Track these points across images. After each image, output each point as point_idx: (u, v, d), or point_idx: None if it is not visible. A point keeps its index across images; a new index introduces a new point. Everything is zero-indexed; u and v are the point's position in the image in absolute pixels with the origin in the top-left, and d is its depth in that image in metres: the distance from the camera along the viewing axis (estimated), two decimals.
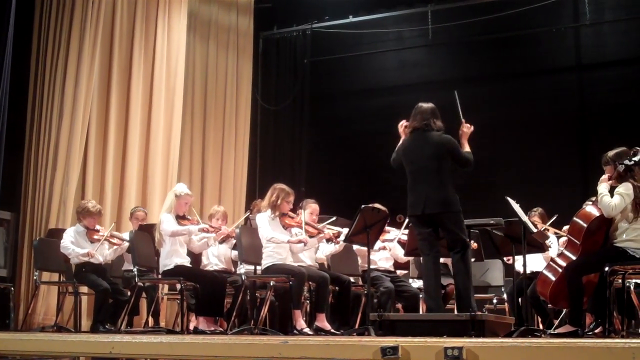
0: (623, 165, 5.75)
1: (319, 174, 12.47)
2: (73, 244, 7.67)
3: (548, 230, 7.57)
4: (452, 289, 7.17)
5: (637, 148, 5.79)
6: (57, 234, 8.28)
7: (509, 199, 6.28)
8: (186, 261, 7.28)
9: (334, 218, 7.60)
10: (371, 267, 6.97)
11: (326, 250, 7.91)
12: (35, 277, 8.08)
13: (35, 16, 9.57)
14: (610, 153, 5.95)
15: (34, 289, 8.40)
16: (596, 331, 5.97)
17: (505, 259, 8.15)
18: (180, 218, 7.29)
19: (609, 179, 5.85)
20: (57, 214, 9.09)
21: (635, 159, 5.75)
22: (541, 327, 7.14)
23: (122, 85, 10.18)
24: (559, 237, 7.55)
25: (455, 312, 6.41)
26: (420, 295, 7.79)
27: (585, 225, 5.90)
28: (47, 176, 9.20)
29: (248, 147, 12.14)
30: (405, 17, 12.36)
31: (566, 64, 11.78)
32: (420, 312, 7.48)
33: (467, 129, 6.23)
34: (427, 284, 6.21)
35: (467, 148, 6.18)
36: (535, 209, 7.74)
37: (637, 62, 11.22)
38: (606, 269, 5.60)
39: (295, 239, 7.13)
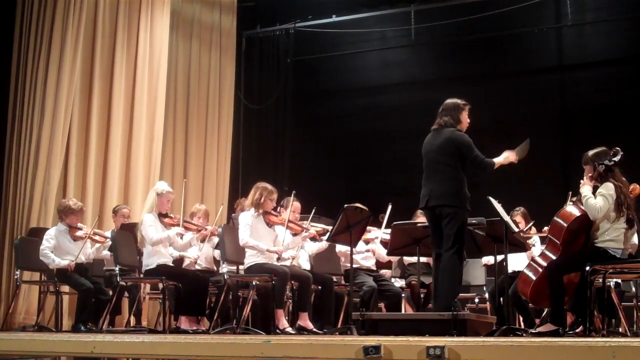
0: (603, 166, 5.79)
1: (302, 173, 12.48)
2: (55, 248, 7.61)
3: (530, 230, 7.60)
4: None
5: (617, 148, 5.84)
6: (39, 233, 8.24)
7: (491, 198, 6.30)
8: (168, 260, 7.28)
9: (314, 210, 7.58)
10: (354, 266, 6.99)
11: (311, 248, 7.92)
12: (16, 277, 8.03)
13: (16, 14, 9.50)
14: (590, 153, 5.99)
15: (15, 288, 8.33)
16: (577, 330, 6.00)
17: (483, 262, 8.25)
18: (163, 216, 7.28)
19: (591, 179, 5.88)
20: (39, 213, 9.03)
21: (615, 159, 5.80)
22: (522, 326, 7.18)
23: (104, 84, 10.13)
24: (542, 239, 7.57)
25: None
26: (403, 295, 7.82)
27: (565, 225, 5.94)
28: (28, 175, 9.14)
29: (231, 146, 12.13)
30: (388, 17, 12.37)
31: (548, 65, 11.84)
32: (403, 312, 7.50)
33: (514, 157, 6.26)
34: (433, 282, 6.24)
35: (499, 160, 6.17)
36: (517, 209, 7.77)
37: (618, 63, 11.31)
38: (587, 268, 5.64)
39: (274, 248, 7.12)
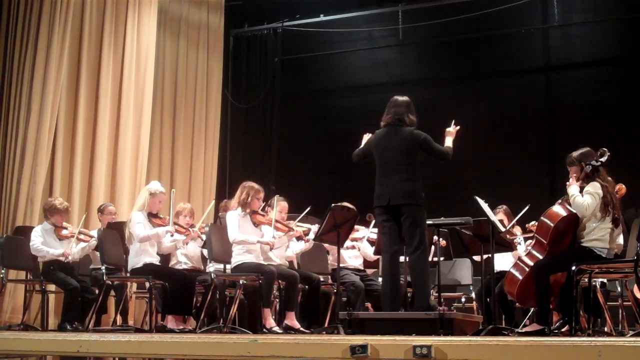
0: (590, 166, 5.82)
1: (290, 172, 12.47)
2: (43, 244, 7.59)
3: (513, 227, 7.62)
4: None
5: (604, 149, 5.86)
6: (24, 231, 8.19)
7: (477, 198, 6.32)
8: (155, 260, 7.25)
9: (308, 209, 7.59)
10: (341, 265, 6.99)
11: (296, 248, 7.92)
12: (1, 275, 7.97)
13: (2, 12, 9.45)
14: (575, 153, 6.02)
15: (1, 287, 8.27)
16: (563, 330, 6.03)
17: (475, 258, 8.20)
18: (152, 216, 7.25)
19: (577, 179, 5.91)
20: (25, 212, 8.99)
21: (602, 159, 5.82)
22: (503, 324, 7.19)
23: (91, 82, 10.09)
24: (526, 239, 7.57)
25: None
26: None
27: (552, 224, 5.96)
28: (14, 173, 9.10)
29: (218, 145, 12.11)
30: (376, 17, 12.40)
31: (534, 65, 11.89)
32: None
33: (452, 129, 6.28)
34: (383, 283, 6.17)
35: (448, 144, 6.19)
36: (499, 207, 7.76)
37: (604, 64, 11.37)
38: (573, 268, 5.66)
39: (265, 240, 7.12)
